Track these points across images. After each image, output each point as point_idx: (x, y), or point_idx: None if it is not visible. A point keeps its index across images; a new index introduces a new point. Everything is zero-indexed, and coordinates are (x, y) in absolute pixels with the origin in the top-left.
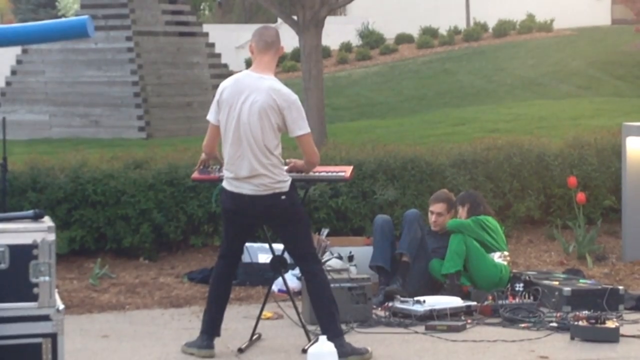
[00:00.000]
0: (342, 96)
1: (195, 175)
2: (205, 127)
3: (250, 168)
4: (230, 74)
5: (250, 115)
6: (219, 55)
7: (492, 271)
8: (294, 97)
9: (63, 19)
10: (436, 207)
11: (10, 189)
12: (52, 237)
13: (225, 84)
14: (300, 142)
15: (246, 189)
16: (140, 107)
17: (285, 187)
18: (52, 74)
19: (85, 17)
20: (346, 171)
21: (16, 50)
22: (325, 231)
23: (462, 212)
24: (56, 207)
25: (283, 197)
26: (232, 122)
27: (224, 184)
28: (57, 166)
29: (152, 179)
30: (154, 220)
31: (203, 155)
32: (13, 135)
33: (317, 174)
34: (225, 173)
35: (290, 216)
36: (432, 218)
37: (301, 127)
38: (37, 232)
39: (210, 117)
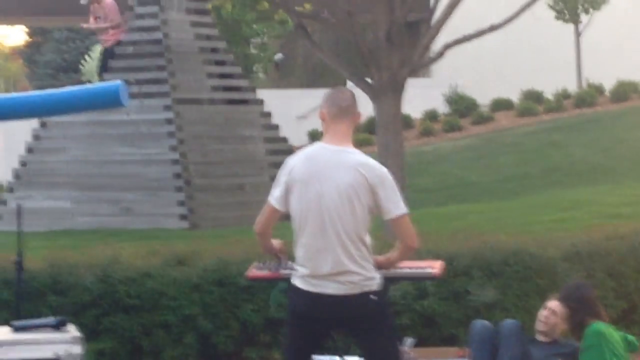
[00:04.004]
0: (427, 175)
1: (252, 272)
2: None
3: (336, 263)
4: (291, 150)
5: (337, 198)
6: (276, 127)
7: None
8: (384, 170)
9: (90, 85)
10: (552, 304)
11: (26, 291)
12: (77, 349)
13: (294, 160)
14: (396, 225)
15: (329, 287)
16: (182, 190)
17: (375, 284)
18: (75, 152)
19: (118, 82)
20: (435, 267)
21: (33, 123)
22: (409, 340)
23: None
24: (81, 313)
25: (373, 296)
26: (311, 207)
27: (296, 282)
28: (82, 263)
29: (197, 278)
30: (199, 328)
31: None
32: (29, 226)
33: (399, 270)
34: (300, 269)
35: (378, 321)
36: (542, 313)
37: (398, 206)
38: (60, 343)
39: (274, 200)
